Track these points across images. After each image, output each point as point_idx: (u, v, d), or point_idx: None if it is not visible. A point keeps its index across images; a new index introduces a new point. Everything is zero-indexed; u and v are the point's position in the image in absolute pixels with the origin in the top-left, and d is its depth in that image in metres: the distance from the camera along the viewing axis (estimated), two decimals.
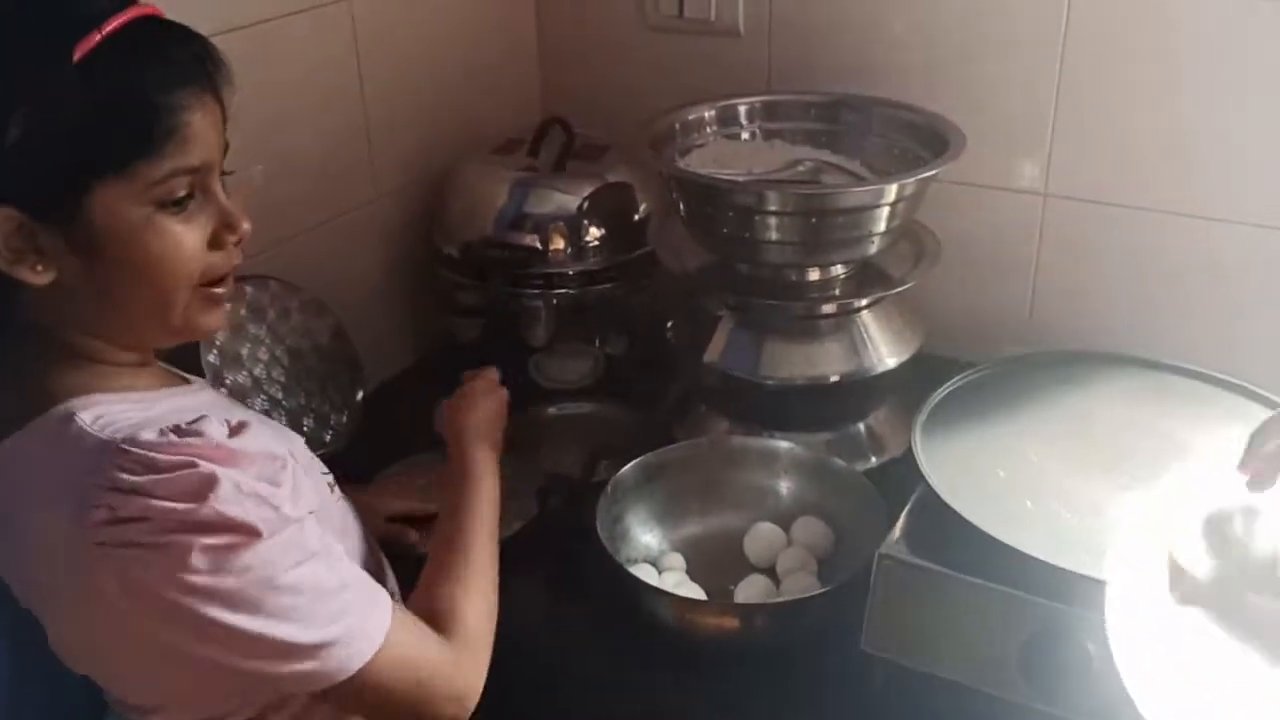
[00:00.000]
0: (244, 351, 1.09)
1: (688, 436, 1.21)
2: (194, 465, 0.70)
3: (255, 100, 1.14)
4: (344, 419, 1.17)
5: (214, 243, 0.77)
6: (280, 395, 1.11)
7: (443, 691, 0.81)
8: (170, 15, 0.76)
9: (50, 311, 0.76)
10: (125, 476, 0.69)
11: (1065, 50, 1.20)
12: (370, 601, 0.78)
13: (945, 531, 0.90)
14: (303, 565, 0.73)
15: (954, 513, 0.89)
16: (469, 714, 0.83)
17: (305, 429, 1.12)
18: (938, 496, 0.91)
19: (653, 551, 1.09)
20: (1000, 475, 0.94)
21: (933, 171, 1.07)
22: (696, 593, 1.01)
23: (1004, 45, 1.23)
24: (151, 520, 0.69)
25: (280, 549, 0.72)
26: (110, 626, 0.74)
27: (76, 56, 0.69)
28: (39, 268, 0.72)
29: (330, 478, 0.89)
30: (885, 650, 0.91)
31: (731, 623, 0.98)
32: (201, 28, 0.76)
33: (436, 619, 0.84)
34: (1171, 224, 1.21)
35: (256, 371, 1.09)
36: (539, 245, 1.28)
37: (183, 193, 0.73)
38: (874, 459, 1.20)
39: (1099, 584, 0.80)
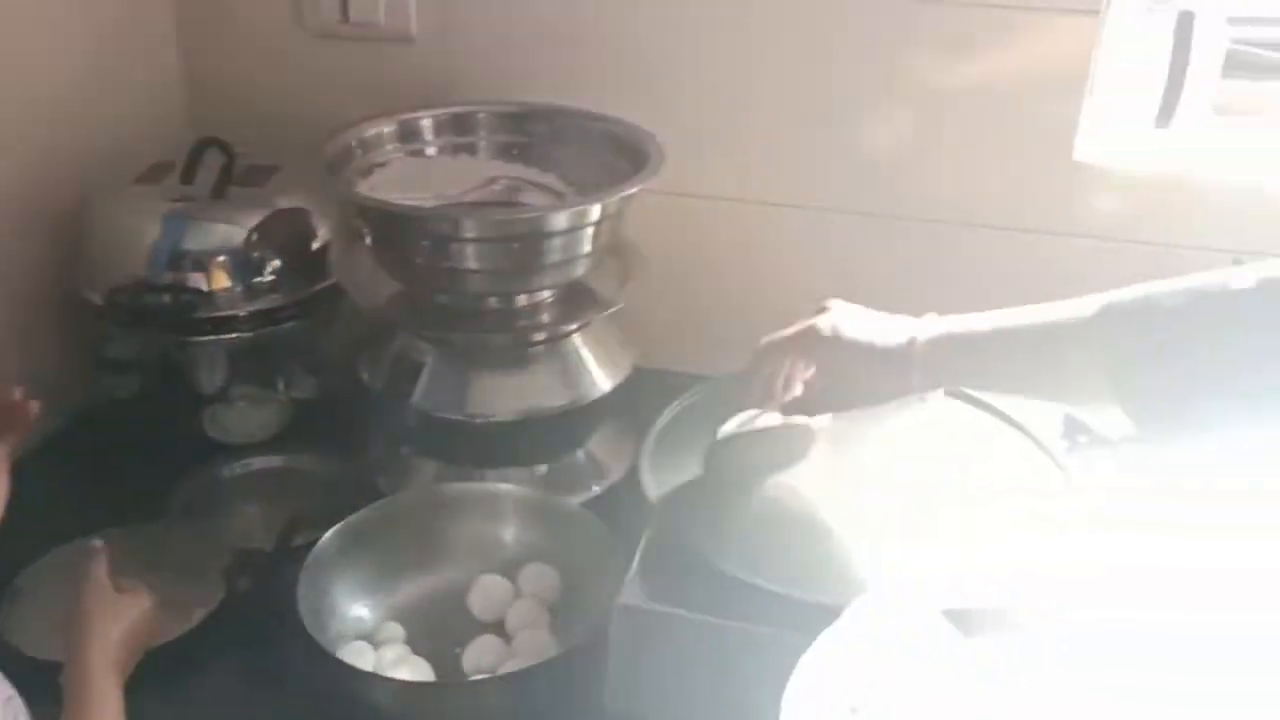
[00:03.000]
0: None
1: (393, 485, 1.10)
2: None
3: None
4: None
5: None
6: None
7: None
8: None
9: None
10: None
11: (753, 52, 1.18)
12: None
13: (685, 570, 0.84)
14: None
15: (691, 549, 0.84)
16: None
17: None
18: (674, 535, 0.86)
19: (366, 625, 0.97)
20: (738, 503, 0.90)
21: (635, 188, 1.01)
22: (420, 668, 0.91)
23: (695, 46, 1.19)
24: None
25: None
26: None
27: None
28: None
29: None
30: (632, 704, 0.85)
31: (462, 702, 0.89)
32: None
33: None
34: (863, 224, 1.22)
35: None
36: (203, 285, 1.12)
37: None
38: (596, 487, 1.13)
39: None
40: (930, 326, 0.82)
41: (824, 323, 0.86)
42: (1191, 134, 1.11)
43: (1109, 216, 1.14)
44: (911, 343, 0.82)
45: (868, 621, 0.72)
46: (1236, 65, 1.14)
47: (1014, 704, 0.67)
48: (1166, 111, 1.05)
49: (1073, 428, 1.01)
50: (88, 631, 0.83)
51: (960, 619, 0.73)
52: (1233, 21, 1.11)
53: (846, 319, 0.87)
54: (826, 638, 0.72)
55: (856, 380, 0.85)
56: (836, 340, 0.85)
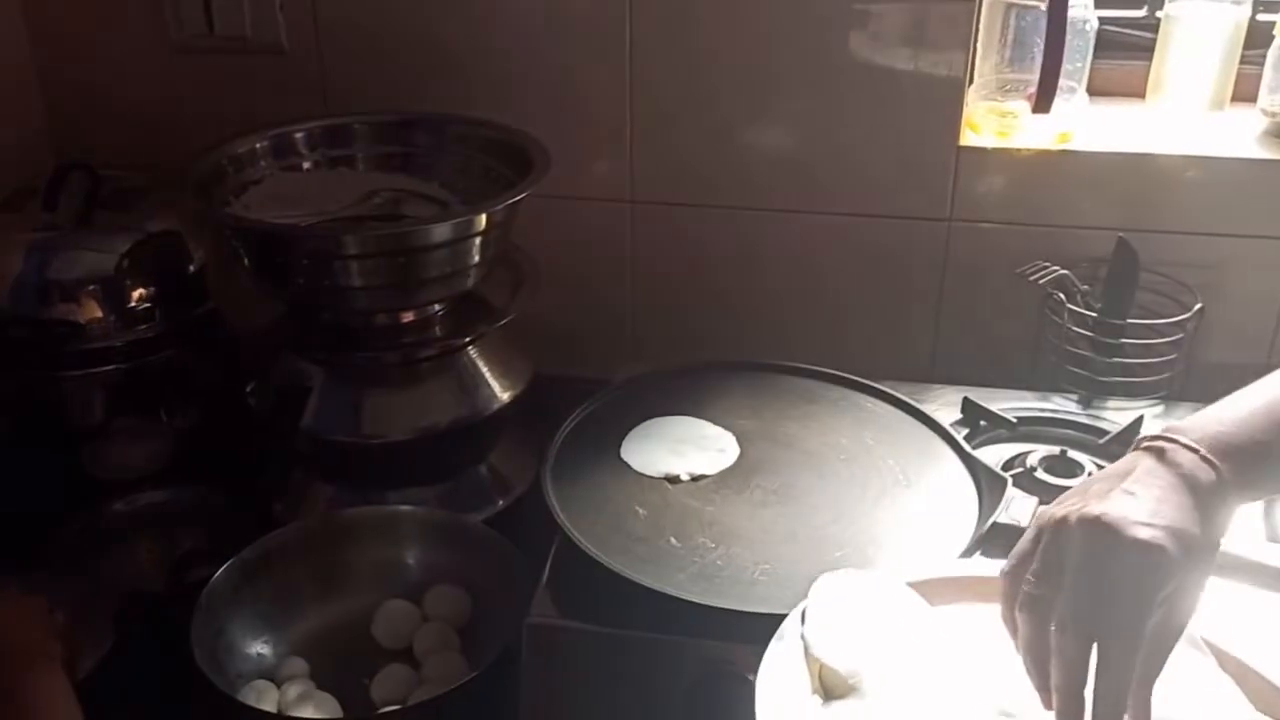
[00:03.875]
0: None
1: (290, 513, 1.06)
2: None
3: None
4: None
5: None
6: None
7: None
8: None
9: None
10: None
11: (632, 52, 1.17)
12: None
13: (593, 583, 0.83)
14: None
15: (598, 563, 0.83)
16: None
17: None
18: (580, 549, 0.84)
19: (267, 662, 0.93)
20: (640, 513, 0.88)
21: (522, 195, 0.99)
22: (326, 704, 0.88)
23: (572, 51, 1.18)
24: None
25: None
26: None
27: None
28: None
29: None
30: None
31: None
32: None
33: None
34: (750, 219, 1.22)
35: None
36: (73, 317, 1.06)
37: None
38: (500, 501, 1.11)
39: (751, 617, 0.77)
40: (1218, 459, 0.63)
41: (1153, 535, 0.59)
42: (1070, 115, 1.13)
43: (994, 200, 1.16)
44: (1217, 485, 0.62)
45: (836, 599, 0.72)
46: (1102, 45, 1.16)
47: (990, 667, 0.68)
48: (1045, 94, 1.06)
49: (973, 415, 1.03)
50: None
51: (925, 589, 0.73)
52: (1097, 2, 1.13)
53: (1134, 508, 0.60)
54: (792, 620, 0.71)
55: (1202, 573, 0.61)
56: (1189, 548, 0.60)
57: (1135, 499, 0.61)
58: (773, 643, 0.70)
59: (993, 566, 0.74)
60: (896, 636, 0.69)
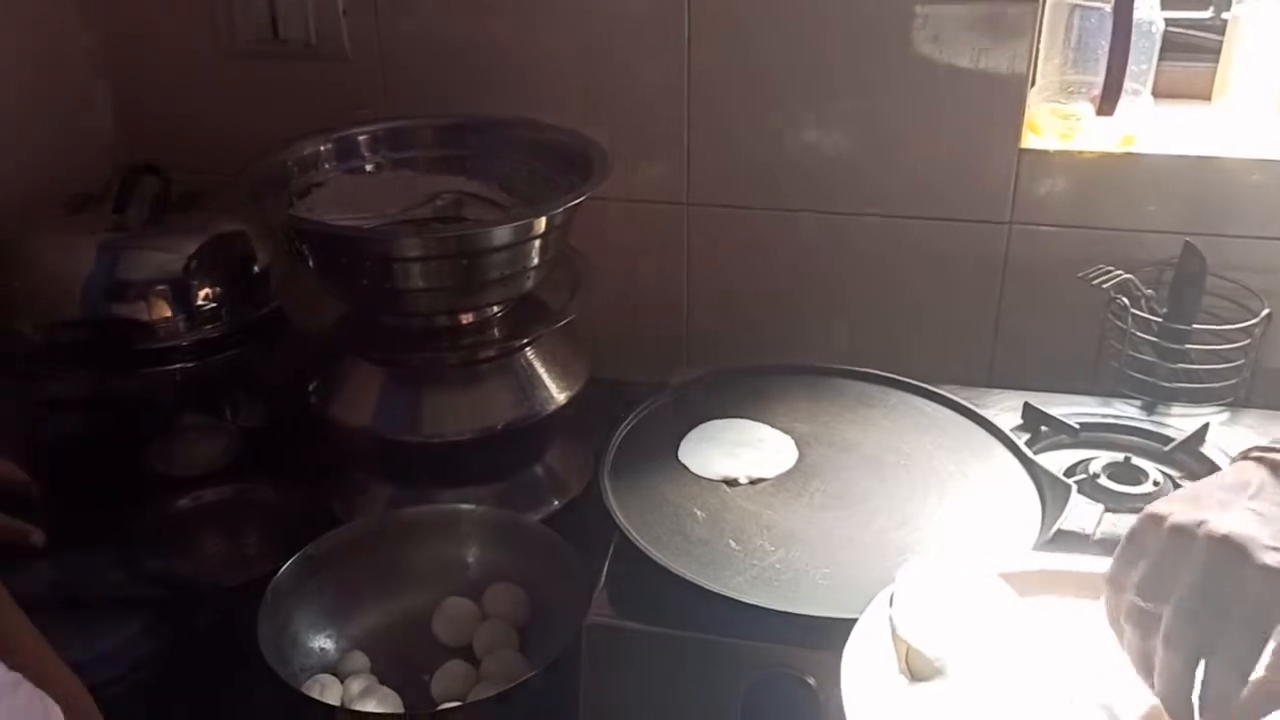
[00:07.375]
0: None
1: (348, 511, 1.08)
2: None
3: None
4: None
5: None
6: None
7: None
8: None
9: None
10: None
11: (690, 54, 1.17)
12: None
13: (652, 584, 0.83)
14: None
15: (658, 564, 0.83)
16: None
17: None
18: (639, 550, 0.85)
19: (330, 656, 0.95)
20: (698, 515, 0.89)
21: (582, 197, 1.00)
22: (389, 699, 0.89)
23: (629, 53, 1.18)
24: None
25: None
26: None
27: None
28: None
29: None
30: None
31: None
32: None
33: None
34: (808, 221, 1.21)
35: None
36: (142, 316, 1.09)
37: None
38: (556, 502, 1.12)
39: (810, 620, 0.77)
40: None
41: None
42: (1135, 118, 1.11)
43: (1056, 203, 1.15)
44: None
45: (924, 584, 0.72)
46: (1168, 47, 1.15)
47: (1079, 659, 0.67)
48: (1110, 96, 1.05)
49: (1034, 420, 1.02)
50: None
51: (1015, 580, 0.72)
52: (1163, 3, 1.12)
53: (1261, 528, 0.57)
54: (880, 601, 0.71)
55: None
56: None
57: (1263, 519, 0.57)
58: (859, 622, 0.70)
59: (1083, 561, 0.75)
60: (984, 624, 0.69)
